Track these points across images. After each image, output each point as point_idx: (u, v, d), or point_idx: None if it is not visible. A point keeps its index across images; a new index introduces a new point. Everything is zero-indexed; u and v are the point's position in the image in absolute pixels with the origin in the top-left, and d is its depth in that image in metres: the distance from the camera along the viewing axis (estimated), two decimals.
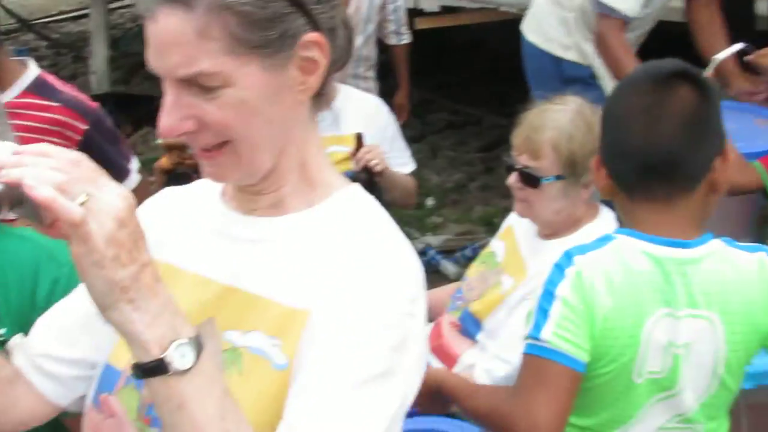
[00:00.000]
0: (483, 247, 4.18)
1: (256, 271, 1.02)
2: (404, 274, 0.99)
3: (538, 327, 1.43)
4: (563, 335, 1.43)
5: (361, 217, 1.04)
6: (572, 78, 3.12)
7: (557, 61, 3.18)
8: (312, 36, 0.98)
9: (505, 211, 4.74)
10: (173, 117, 0.96)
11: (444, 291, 2.39)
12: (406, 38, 4.12)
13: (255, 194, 1.05)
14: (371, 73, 3.92)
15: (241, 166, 1.00)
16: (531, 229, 2.14)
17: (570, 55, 3.15)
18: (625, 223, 1.55)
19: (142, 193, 1.24)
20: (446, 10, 4.60)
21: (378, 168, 2.71)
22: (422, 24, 4.67)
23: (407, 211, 3.65)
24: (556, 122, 1.99)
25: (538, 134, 1.99)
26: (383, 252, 1.00)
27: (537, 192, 2.01)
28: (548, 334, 1.42)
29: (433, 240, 4.44)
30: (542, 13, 3.22)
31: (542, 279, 1.53)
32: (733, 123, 1.94)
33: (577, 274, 1.45)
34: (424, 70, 6.39)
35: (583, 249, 1.49)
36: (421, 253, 4.04)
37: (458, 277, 3.89)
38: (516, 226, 2.21)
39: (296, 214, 1.04)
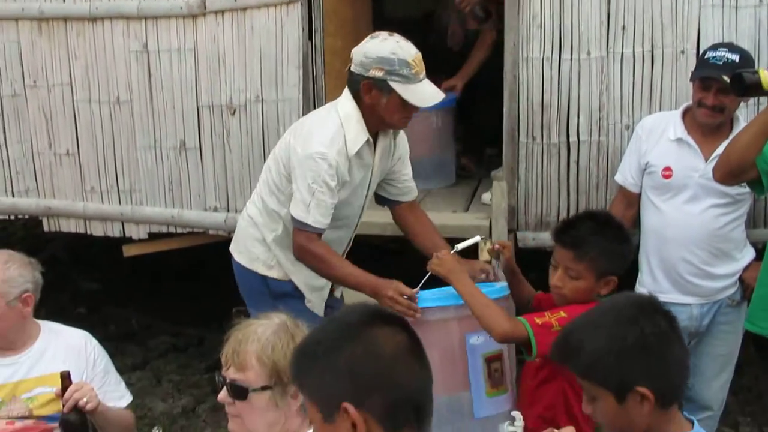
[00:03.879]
0: None
1: None
2: None
3: None
4: None
5: None
6: (280, 293, 3.25)
7: (264, 279, 3.30)
8: None
9: None
10: None
11: None
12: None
13: None
14: None
15: None
16: None
17: (273, 273, 3.30)
18: None
19: None
20: (154, 237, 4.63)
21: (89, 407, 2.60)
22: (130, 251, 4.65)
23: None
24: (259, 335, 2.07)
25: (242, 347, 2.06)
26: None
27: (246, 404, 2.04)
28: None
29: None
30: (244, 236, 3.36)
31: None
32: None
33: None
34: (141, 295, 6.31)
35: None
36: None
37: None
38: None
39: None
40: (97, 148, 4.58)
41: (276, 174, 3.22)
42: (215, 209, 4.42)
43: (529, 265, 4.00)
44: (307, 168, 3.02)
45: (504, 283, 3.06)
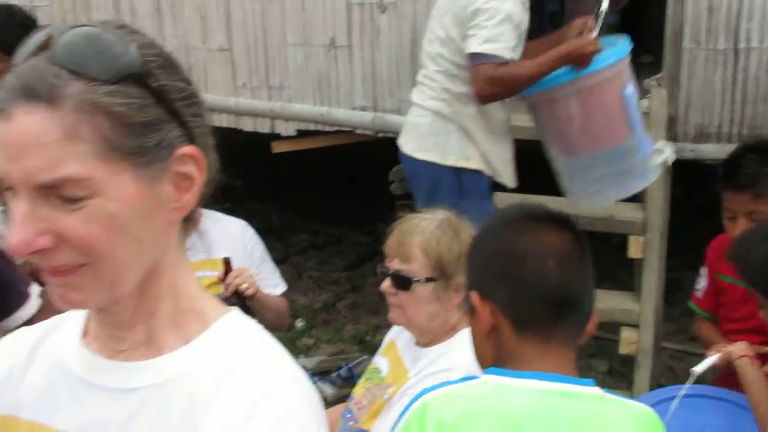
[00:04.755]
0: (358, 365, 4.19)
1: (132, 425, 0.90)
2: (304, 412, 0.90)
3: None
4: None
5: (245, 351, 0.94)
6: (472, 190, 3.25)
7: (457, 173, 3.28)
8: (188, 149, 0.90)
9: (377, 327, 4.79)
10: (27, 231, 0.83)
11: (332, 414, 2.35)
12: None
13: (121, 329, 0.94)
14: None
15: (100, 289, 0.88)
16: (411, 340, 2.17)
17: (471, 164, 3.28)
18: (503, 360, 1.48)
19: (42, 319, 1.16)
20: (302, 134, 4.69)
21: (249, 292, 2.68)
22: (279, 147, 4.74)
23: (278, 334, 3.59)
24: (424, 228, 2.07)
25: (407, 239, 2.06)
26: (278, 389, 0.90)
27: (409, 295, 2.06)
28: None
29: (307, 362, 4.38)
30: (431, 131, 3.32)
31: (422, 380, 1.52)
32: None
33: (424, 404, 1.43)
34: (282, 192, 6.47)
35: (438, 387, 1.48)
36: None
37: (335, 398, 3.85)
38: (397, 339, 2.25)
39: (171, 355, 0.92)
40: (249, 44, 4.64)
41: (451, 53, 3.18)
42: (363, 108, 4.43)
43: (680, 181, 3.85)
44: (491, 6, 3.01)
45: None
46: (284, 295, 3.05)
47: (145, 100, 0.86)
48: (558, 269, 1.44)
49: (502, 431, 1.37)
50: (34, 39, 0.87)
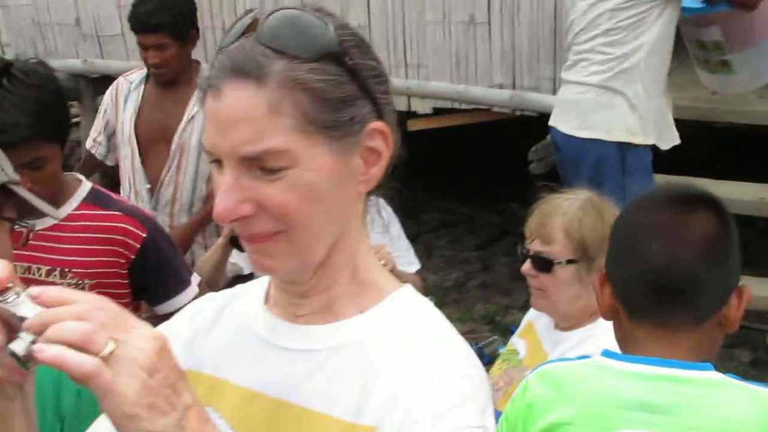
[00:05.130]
0: (488, 345, 4.15)
1: (309, 384, 0.95)
2: (472, 385, 0.93)
3: None
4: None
5: (418, 324, 0.98)
6: (635, 166, 3.19)
7: (622, 150, 3.22)
8: (378, 125, 0.95)
9: (507, 308, 4.74)
10: (231, 200, 0.89)
11: None
12: None
13: (301, 297, 0.99)
14: None
15: (293, 256, 0.94)
16: (551, 323, 2.13)
17: (638, 139, 3.21)
18: (624, 344, 1.44)
19: None
20: (438, 112, 4.67)
21: (387, 268, 2.70)
22: (415, 126, 4.74)
23: None
24: (566, 209, 2.02)
25: (549, 220, 2.02)
26: (448, 362, 0.94)
27: (550, 277, 2.01)
28: None
29: None
30: (594, 107, 3.26)
31: None
32: None
33: (531, 378, 1.43)
34: (415, 169, 6.48)
35: (552, 362, 1.47)
36: None
37: None
38: (536, 322, 2.21)
39: (347, 321, 0.98)
40: (387, 21, 4.65)
41: (609, 15, 3.16)
42: (500, 86, 4.37)
43: None
44: None
45: None
46: (417, 273, 3.06)
47: (341, 77, 0.91)
48: (665, 252, 1.35)
49: (593, 412, 1.35)
50: (241, 22, 0.94)
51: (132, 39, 3.38)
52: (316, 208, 0.92)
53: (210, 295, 1.13)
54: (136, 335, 0.77)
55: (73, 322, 0.75)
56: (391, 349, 0.94)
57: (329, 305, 0.99)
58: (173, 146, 3.23)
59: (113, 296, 2.03)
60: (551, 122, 3.36)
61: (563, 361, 1.50)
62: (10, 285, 0.78)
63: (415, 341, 0.95)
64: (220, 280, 2.93)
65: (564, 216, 2.01)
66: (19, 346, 0.76)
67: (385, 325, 0.96)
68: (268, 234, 0.92)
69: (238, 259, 2.98)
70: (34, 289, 0.78)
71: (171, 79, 3.23)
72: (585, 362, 1.45)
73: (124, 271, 2.11)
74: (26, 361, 0.77)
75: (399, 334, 0.95)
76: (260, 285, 1.07)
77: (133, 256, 2.10)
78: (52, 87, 2.03)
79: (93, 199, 2.13)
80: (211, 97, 0.91)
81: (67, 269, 2.07)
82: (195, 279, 2.28)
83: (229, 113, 0.89)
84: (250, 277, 3.09)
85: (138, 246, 2.10)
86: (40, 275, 2.06)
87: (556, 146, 3.46)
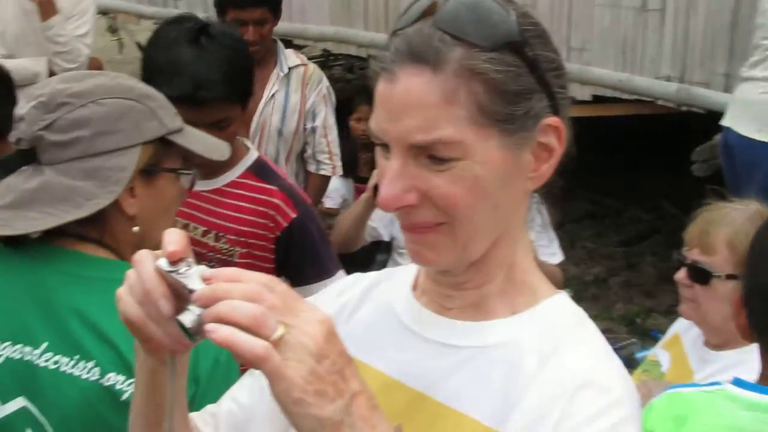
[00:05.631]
0: (625, 348, 3.99)
1: (451, 380, 0.93)
2: (626, 403, 0.88)
3: None
4: None
5: (572, 333, 0.93)
6: None
7: None
8: (553, 120, 0.90)
9: (649, 311, 4.53)
10: (397, 187, 0.88)
11: None
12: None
13: (454, 289, 0.96)
14: None
15: (453, 249, 0.91)
16: (699, 339, 2.00)
17: None
18: (763, 372, 1.37)
19: None
20: (597, 100, 4.49)
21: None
22: (572, 112, 4.56)
23: None
24: (733, 219, 1.88)
25: (713, 229, 1.89)
26: (600, 375, 0.89)
27: (706, 290, 1.89)
28: None
29: None
30: None
31: None
32: None
33: (657, 401, 1.39)
34: (563, 157, 6.29)
35: (680, 386, 1.43)
36: None
37: None
38: (684, 335, 2.08)
39: (498, 321, 0.94)
40: (554, 1, 4.49)
41: None
42: (668, 78, 4.14)
43: None
44: None
45: None
46: (559, 264, 2.96)
47: (520, 69, 0.88)
48: None
49: None
50: (419, 4, 0.91)
51: None
52: (482, 202, 0.88)
53: (358, 275, 1.12)
54: (304, 320, 0.76)
55: (245, 304, 0.74)
56: (543, 357, 0.90)
57: (480, 302, 0.96)
58: (253, 126, 3.20)
59: (260, 268, 2.07)
60: (726, 122, 3.13)
61: (693, 386, 1.46)
62: (183, 257, 0.79)
63: (569, 351, 0.90)
64: (358, 239, 2.91)
65: (730, 227, 1.87)
66: (187, 318, 0.76)
67: (538, 331, 0.93)
68: (429, 225, 0.90)
69: (378, 225, 2.96)
70: (209, 271, 0.78)
71: (262, 56, 3.16)
72: (714, 390, 1.40)
73: (271, 246, 2.13)
74: (194, 333, 0.77)
75: (551, 342, 0.91)
76: (408, 271, 1.05)
77: (278, 233, 2.11)
78: (243, 50, 2.09)
79: (256, 170, 2.16)
80: (384, 81, 0.88)
81: (222, 234, 2.10)
82: (340, 274, 2.24)
83: (402, 99, 0.87)
84: (389, 245, 3.06)
85: (285, 225, 2.11)
86: (196, 234, 2.10)
87: (728, 149, 3.23)
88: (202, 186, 2.09)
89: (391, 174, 0.88)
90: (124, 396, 1.28)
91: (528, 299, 0.96)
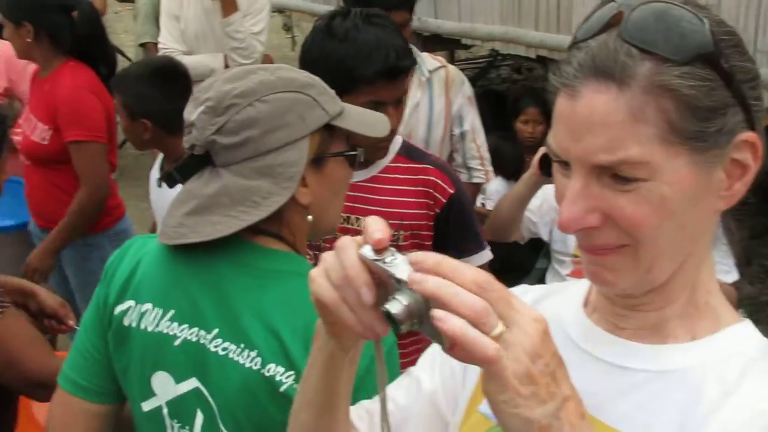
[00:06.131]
0: None
1: (621, 403, 0.88)
2: None
3: None
4: None
5: (758, 365, 0.86)
6: None
7: None
8: (749, 135, 0.84)
9: None
10: (578, 207, 0.84)
11: None
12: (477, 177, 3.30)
13: (630, 309, 0.92)
14: None
15: (635, 272, 0.87)
16: None
17: None
18: None
19: None
20: None
21: None
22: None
23: None
24: None
25: None
26: None
27: None
28: None
29: None
30: None
31: None
32: None
33: None
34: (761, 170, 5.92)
35: None
36: None
37: None
38: None
39: (677, 346, 0.89)
40: (740, 2, 4.22)
41: None
42: None
43: None
44: None
45: None
46: (733, 283, 2.76)
47: (714, 83, 0.82)
48: None
49: None
50: (601, 13, 0.86)
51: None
52: (667, 223, 0.84)
53: (525, 287, 1.09)
54: (522, 317, 0.73)
55: (469, 295, 0.72)
56: (725, 387, 0.85)
57: (659, 325, 0.91)
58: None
59: (423, 247, 2.08)
60: None
61: None
62: (387, 246, 0.78)
63: (755, 385, 0.84)
64: (515, 224, 2.78)
65: None
66: (395, 307, 0.75)
67: (720, 360, 0.87)
68: (612, 247, 0.86)
69: (539, 221, 2.84)
70: (415, 255, 0.76)
71: None
72: None
73: (431, 223, 2.13)
74: (400, 323, 0.75)
75: (735, 373, 0.86)
76: (579, 286, 1.02)
77: (438, 210, 2.12)
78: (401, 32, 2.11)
79: (407, 152, 2.16)
80: (565, 97, 0.84)
81: (385, 220, 2.10)
82: (488, 248, 2.26)
83: (586, 117, 0.82)
84: (548, 252, 2.95)
85: (444, 201, 2.12)
86: (358, 226, 2.11)
87: None
88: (357, 177, 2.09)
89: (571, 194, 0.85)
90: (282, 387, 1.30)
91: (710, 324, 0.91)
